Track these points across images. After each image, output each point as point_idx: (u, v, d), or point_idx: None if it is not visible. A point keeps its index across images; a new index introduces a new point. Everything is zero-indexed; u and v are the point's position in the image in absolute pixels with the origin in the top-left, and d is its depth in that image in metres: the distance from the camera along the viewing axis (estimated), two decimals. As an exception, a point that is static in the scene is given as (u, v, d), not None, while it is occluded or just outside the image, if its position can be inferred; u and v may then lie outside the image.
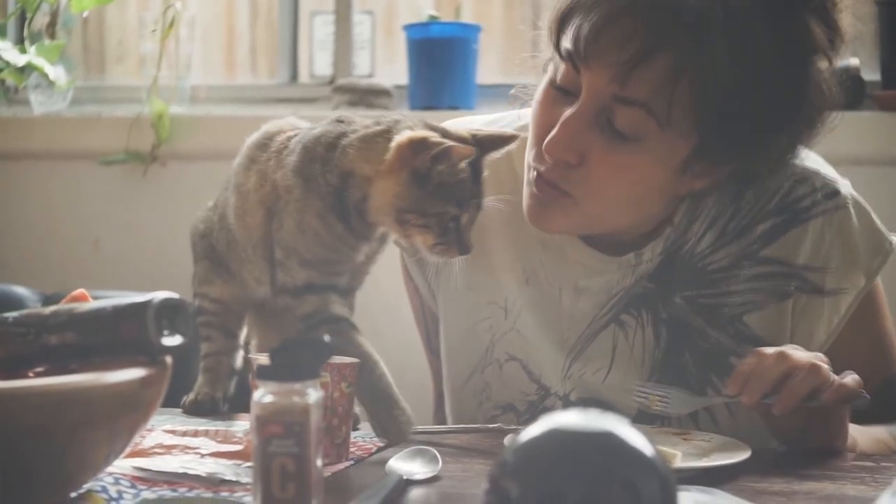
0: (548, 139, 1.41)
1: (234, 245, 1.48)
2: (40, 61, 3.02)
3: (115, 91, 3.28)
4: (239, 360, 1.57)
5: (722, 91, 1.34)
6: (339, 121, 1.42)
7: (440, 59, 2.90)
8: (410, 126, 1.37)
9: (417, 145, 1.33)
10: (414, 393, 1.53)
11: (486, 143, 1.40)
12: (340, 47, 3.19)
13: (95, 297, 1.20)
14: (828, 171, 1.55)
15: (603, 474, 0.80)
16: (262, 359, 1.17)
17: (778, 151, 1.44)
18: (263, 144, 1.46)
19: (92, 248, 3.04)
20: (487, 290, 1.59)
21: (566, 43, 1.39)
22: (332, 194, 1.37)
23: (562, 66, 1.42)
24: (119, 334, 1.07)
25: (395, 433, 1.35)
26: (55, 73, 3.05)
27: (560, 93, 1.43)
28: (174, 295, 1.08)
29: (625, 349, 1.54)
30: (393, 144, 1.34)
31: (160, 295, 1.07)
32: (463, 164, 1.35)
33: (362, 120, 1.42)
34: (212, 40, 3.40)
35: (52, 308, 1.12)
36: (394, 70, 3.14)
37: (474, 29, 2.97)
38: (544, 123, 1.44)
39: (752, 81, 1.35)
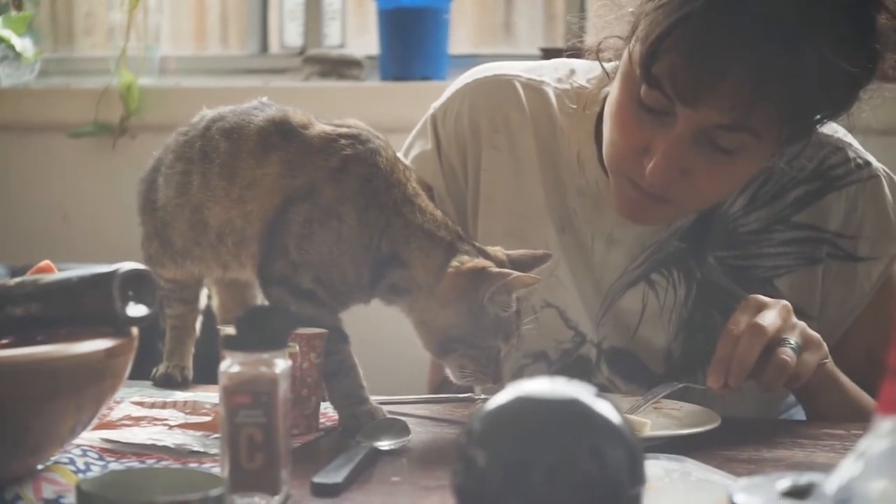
0: (650, 168, 1.37)
1: (203, 229, 1.38)
2: (7, 33, 3.00)
3: (84, 63, 3.26)
4: (204, 300, 1.53)
5: (813, 92, 1.34)
6: (364, 140, 1.33)
7: (411, 30, 2.89)
8: (467, 250, 1.32)
9: (478, 276, 1.29)
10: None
11: (520, 264, 1.35)
12: (311, 17, 3.17)
13: (63, 270, 1.19)
14: (858, 146, 1.57)
15: (569, 442, 0.80)
16: (230, 329, 1.16)
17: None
18: (287, 132, 1.35)
19: (61, 222, 3.02)
20: (526, 235, 1.57)
21: (663, 78, 1.34)
22: (377, 257, 1.31)
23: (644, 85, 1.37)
24: (84, 305, 1.06)
25: (353, 429, 1.30)
26: (22, 44, 3.03)
27: (645, 109, 1.38)
28: (140, 266, 1.07)
29: (654, 308, 1.56)
30: (451, 271, 1.29)
31: (125, 265, 1.06)
32: (516, 295, 1.32)
33: (393, 155, 1.35)
34: (181, 11, 3.37)
35: (17, 279, 1.11)
36: (365, 41, 3.12)
37: (446, -2, 2.96)
38: (632, 141, 1.40)
39: (840, 74, 1.33)
